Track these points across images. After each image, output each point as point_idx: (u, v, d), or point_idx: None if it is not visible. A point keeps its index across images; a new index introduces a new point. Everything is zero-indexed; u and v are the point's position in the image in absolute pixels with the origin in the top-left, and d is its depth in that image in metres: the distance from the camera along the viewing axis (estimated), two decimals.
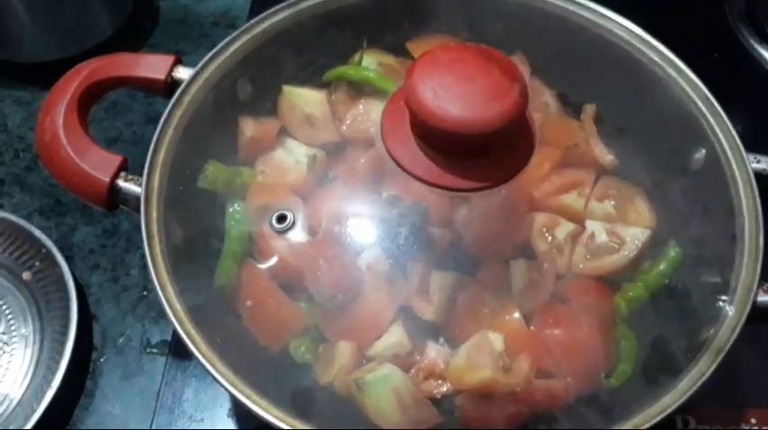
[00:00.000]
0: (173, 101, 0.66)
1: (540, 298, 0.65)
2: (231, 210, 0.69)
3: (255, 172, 0.71)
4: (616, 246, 0.68)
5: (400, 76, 0.75)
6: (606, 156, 0.73)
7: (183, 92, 0.67)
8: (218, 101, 0.70)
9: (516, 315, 0.62)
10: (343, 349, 0.63)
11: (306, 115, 0.74)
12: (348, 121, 0.74)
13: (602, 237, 0.68)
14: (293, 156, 0.72)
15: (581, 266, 0.67)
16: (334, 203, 0.67)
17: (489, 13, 0.75)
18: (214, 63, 0.69)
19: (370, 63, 0.75)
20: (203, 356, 0.54)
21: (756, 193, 0.61)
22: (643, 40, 0.71)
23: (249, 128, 0.72)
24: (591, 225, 0.69)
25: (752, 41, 0.95)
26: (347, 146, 0.74)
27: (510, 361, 0.60)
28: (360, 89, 0.75)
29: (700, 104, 0.67)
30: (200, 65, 0.68)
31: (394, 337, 0.63)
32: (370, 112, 0.73)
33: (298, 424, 0.51)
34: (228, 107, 0.72)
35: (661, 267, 0.65)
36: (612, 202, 0.71)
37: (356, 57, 0.76)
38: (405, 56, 0.77)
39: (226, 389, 0.53)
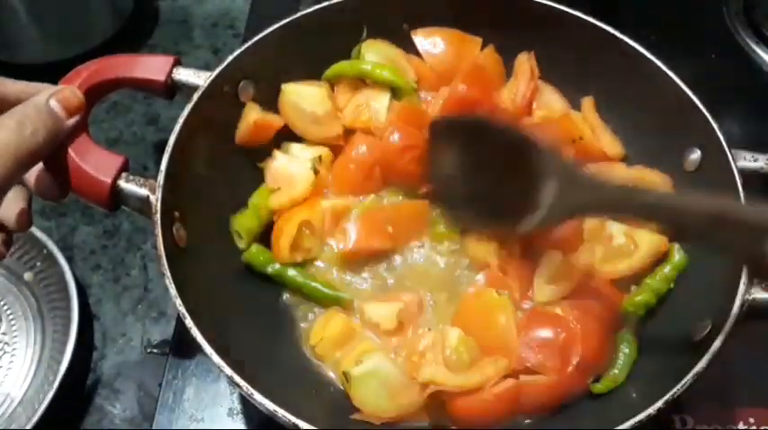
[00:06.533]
0: (191, 105, 0.66)
1: (557, 295, 0.65)
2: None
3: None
4: (631, 249, 0.66)
5: (402, 67, 0.76)
6: (615, 146, 0.73)
7: (202, 96, 0.67)
8: (229, 105, 0.71)
9: (507, 316, 0.62)
10: (336, 321, 0.65)
11: (307, 112, 0.74)
12: (350, 111, 0.74)
13: (620, 240, 0.67)
14: (298, 161, 0.72)
15: (597, 268, 0.66)
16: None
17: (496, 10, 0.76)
18: (227, 69, 0.69)
19: (375, 55, 0.75)
20: (212, 347, 0.55)
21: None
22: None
23: (254, 112, 0.71)
24: (611, 226, 0.68)
25: (749, 42, 0.95)
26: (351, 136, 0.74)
27: (472, 358, 0.60)
28: (361, 80, 0.75)
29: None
30: (214, 73, 0.68)
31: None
32: (370, 102, 0.74)
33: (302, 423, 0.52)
34: (237, 110, 0.73)
35: (666, 271, 0.64)
36: None
37: (355, 50, 0.76)
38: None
39: (234, 382, 0.53)
